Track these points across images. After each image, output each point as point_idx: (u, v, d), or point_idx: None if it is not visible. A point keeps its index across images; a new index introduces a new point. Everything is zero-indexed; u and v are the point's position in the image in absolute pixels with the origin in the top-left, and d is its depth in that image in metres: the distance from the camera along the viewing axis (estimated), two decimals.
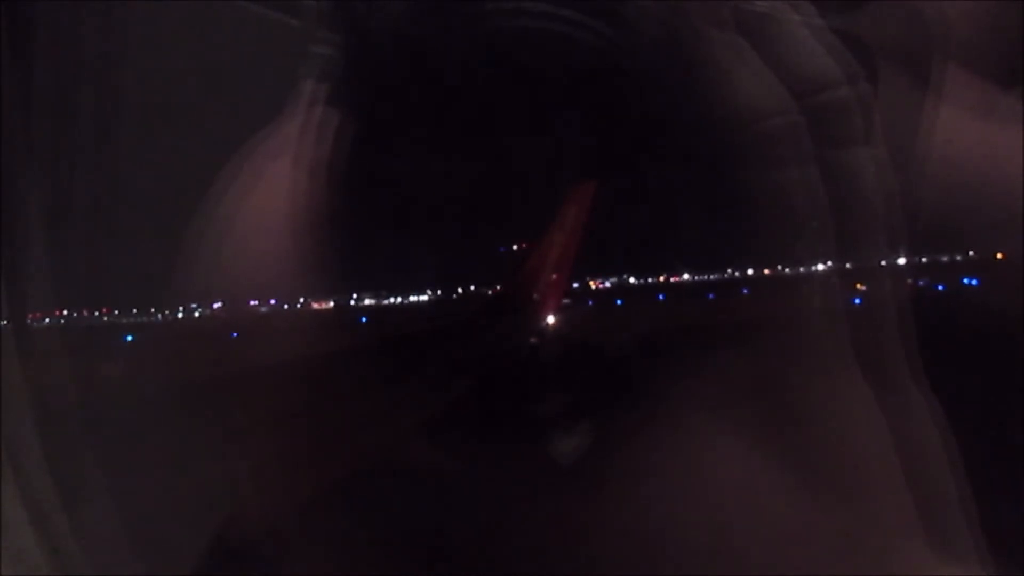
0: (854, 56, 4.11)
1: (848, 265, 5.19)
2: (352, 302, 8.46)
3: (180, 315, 7.96)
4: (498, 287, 6.56)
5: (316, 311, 7.75)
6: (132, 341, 7.82)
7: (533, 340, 5.59)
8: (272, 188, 4.78)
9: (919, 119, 4.12)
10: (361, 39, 4.73)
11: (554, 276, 5.52)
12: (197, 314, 7.93)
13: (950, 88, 4.09)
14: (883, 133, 4.15)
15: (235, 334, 6.96)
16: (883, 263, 4.84)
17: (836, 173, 4.35)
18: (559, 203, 5.39)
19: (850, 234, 4.57)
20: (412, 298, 8.42)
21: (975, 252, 7.44)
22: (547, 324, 5.67)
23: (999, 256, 6.46)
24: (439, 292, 8.08)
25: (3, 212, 3.80)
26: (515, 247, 6.11)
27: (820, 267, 5.63)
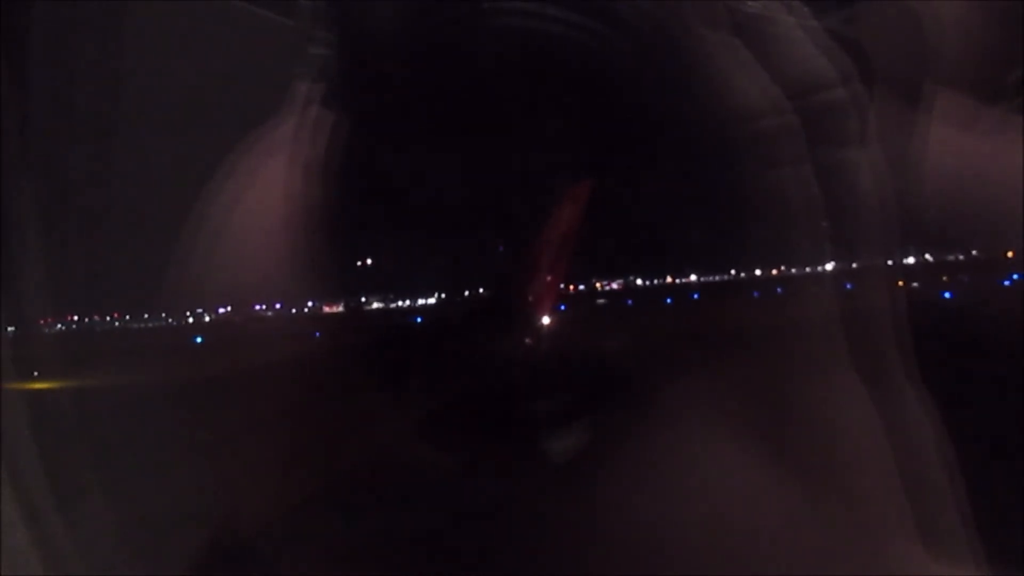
0: (849, 57, 4.11)
1: (853, 264, 5.13)
2: (358, 305, 8.51)
3: (191, 319, 8.03)
4: (494, 287, 6.58)
5: (339, 314, 7.79)
6: (203, 342, 7.86)
7: (528, 340, 5.62)
8: (274, 191, 4.82)
9: (914, 120, 4.11)
10: (358, 39, 4.77)
11: (549, 277, 5.54)
12: (207, 318, 7.99)
13: (945, 88, 4.08)
14: (879, 133, 4.14)
15: (317, 333, 7.02)
16: (890, 262, 4.82)
17: (836, 172, 4.35)
18: (558, 202, 5.42)
19: (856, 234, 4.55)
20: (420, 301, 8.44)
21: (978, 251, 7.38)
22: (542, 324, 5.69)
23: (1009, 254, 6.41)
24: (445, 294, 8.09)
25: (4, 218, 3.86)
26: (513, 247, 6.16)
27: (829, 266, 5.50)
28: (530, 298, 5.70)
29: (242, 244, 4.99)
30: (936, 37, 4.00)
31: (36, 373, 4.84)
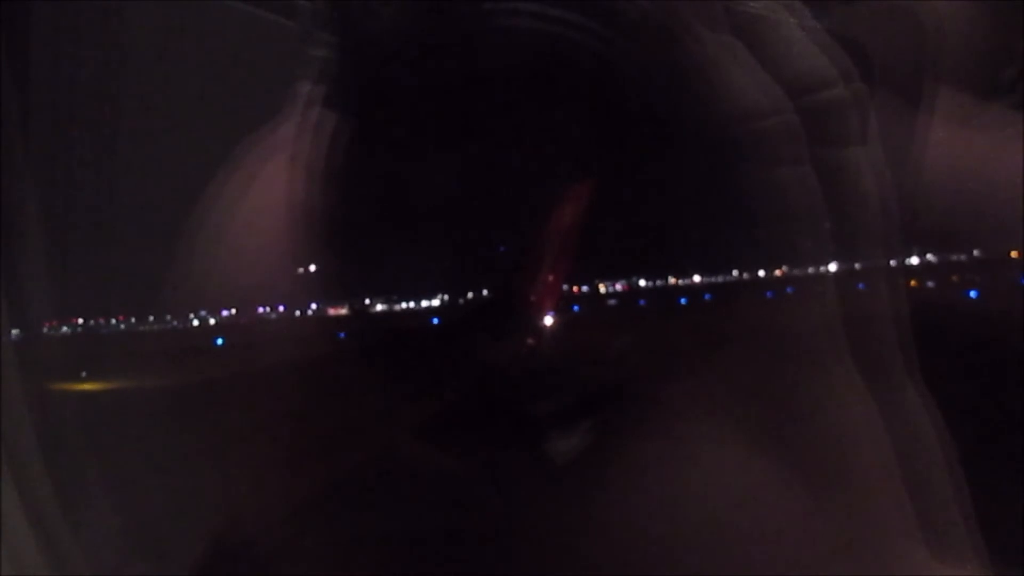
0: (849, 56, 4.10)
1: (856, 265, 5.10)
2: (363, 307, 8.51)
3: (196, 322, 8.03)
4: (494, 288, 6.59)
5: (344, 316, 7.80)
6: (225, 344, 7.84)
7: (530, 341, 5.62)
8: (277, 192, 4.83)
9: (915, 119, 4.10)
10: (359, 40, 4.78)
11: (551, 277, 5.54)
12: (212, 321, 8.00)
13: (945, 87, 4.08)
14: (879, 133, 4.13)
15: (343, 335, 7.01)
16: (893, 263, 4.80)
17: (838, 172, 4.34)
18: (559, 203, 5.41)
19: (860, 233, 4.54)
20: (424, 302, 8.44)
21: (980, 251, 7.33)
22: (544, 325, 5.69)
23: (1013, 254, 6.38)
24: (448, 295, 8.10)
25: (5, 220, 3.88)
26: (515, 247, 6.16)
27: (832, 267, 5.43)
28: (532, 299, 5.69)
29: (245, 246, 5.00)
30: (937, 34, 3.99)
31: (84, 374, 4.90)
